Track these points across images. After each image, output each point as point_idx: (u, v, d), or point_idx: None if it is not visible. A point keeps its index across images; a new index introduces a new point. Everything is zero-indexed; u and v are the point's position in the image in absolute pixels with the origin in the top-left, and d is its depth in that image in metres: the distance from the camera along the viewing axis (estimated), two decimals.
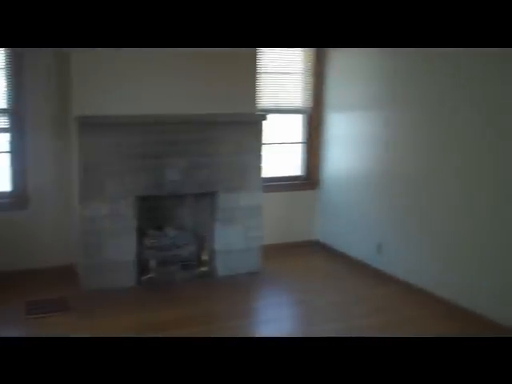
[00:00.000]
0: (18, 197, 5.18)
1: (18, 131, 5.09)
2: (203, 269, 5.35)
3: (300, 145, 6.40)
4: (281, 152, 6.31)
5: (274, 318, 4.57)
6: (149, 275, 5.12)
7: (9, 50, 4.94)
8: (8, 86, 5.02)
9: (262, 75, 5.83)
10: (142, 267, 5.11)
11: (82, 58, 4.65)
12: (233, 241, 5.34)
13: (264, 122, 5.36)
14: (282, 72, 6.07)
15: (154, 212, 5.27)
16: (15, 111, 5.07)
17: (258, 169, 5.39)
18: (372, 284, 5.23)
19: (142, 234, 5.13)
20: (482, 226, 4.40)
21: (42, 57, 4.97)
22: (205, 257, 5.38)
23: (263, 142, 5.42)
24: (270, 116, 5.56)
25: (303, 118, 6.33)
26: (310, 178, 6.37)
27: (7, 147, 5.13)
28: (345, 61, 5.89)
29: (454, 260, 4.65)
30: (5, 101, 5.03)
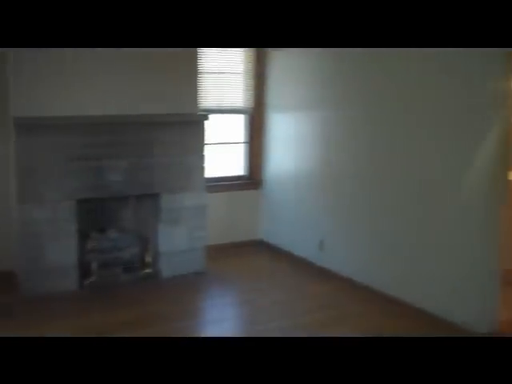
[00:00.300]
0: None
1: None
2: (147, 271, 5.30)
3: (242, 145, 6.41)
4: (223, 152, 6.31)
5: (220, 318, 4.57)
6: (91, 279, 5.03)
7: None
8: None
9: (204, 75, 5.82)
10: (84, 271, 5.02)
11: (20, 58, 4.54)
12: (177, 242, 5.31)
13: (206, 122, 5.35)
14: (223, 72, 6.07)
15: (96, 214, 5.18)
16: None
17: (201, 169, 5.38)
18: (315, 281, 5.28)
19: (83, 237, 5.04)
20: (418, 224, 4.51)
21: None
22: (148, 258, 5.33)
23: (206, 142, 5.41)
24: (212, 116, 5.56)
25: (245, 119, 6.35)
26: (253, 178, 6.40)
27: None
28: (285, 61, 5.94)
29: (395, 256, 4.75)
30: None
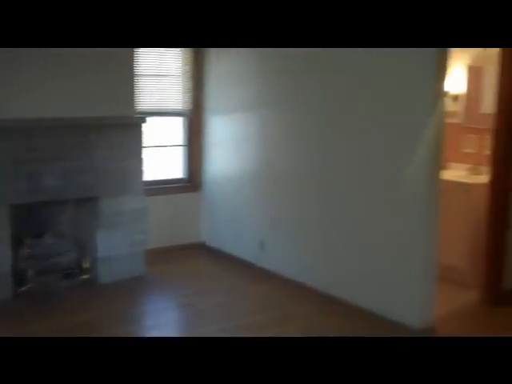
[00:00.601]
0: None
1: None
2: (85, 276, 5.19)
3: (181, 147, 6.37)
4: (162, 155, 6.25)
5: (160, 323, 4.51)
6: (27, 286, 4.89)
7: None
8: None
9: (141, 78, 5.76)
10: (20, 278, 4.87)
11: None
12: (116, 246, 5.22)
13: (144, 125, 5.29)
14: (161, 74, 6.03)
15: (32, 219, 5.04)
16: None
17: (140, 172, 5.31)
18: (256, 282, 5.30)
19: (18, 243, 4.89)
20: (357, 223, 4.59)
21: None
22: (86, 264, 5.22)
23: (144, 145, 5.35)
24: (150, 119, 5.50)
25: (184, 121, 6.31)
26: (193, 181, 6.37)
27: None
28: (223, 63, 5.94)
29: (334, 255, 4.81)
30: None
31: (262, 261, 5.53)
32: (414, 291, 4.22)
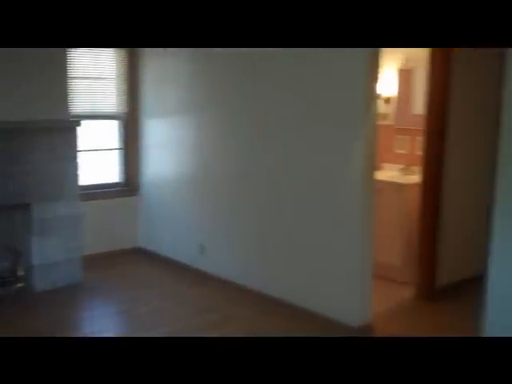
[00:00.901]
0: None
1: None
2: (20, 285, 5.04)
3: (117, 151, 6.29)
4: (98, 159, 6.14)
5: (99, 330, 4.43)
6: None
7: None
8: None
9: (75, 80, 5.64)
10: None
11: None
12: (51, 253, 5.10)
13: (79, 129, 5.19)
14: (95, 77, 5.93)
15: None
16: None
17: (75, 177, 5.20)
18: (196, 286, 5.28)
19: None
20: (295, 224, 4.63)
21: None
22: (21, 272, 5.06)
23: (79, 148, 5.24)
24: (85, 122, 5.40)
25: (119, 124, 6.23)
26: (130, 185, 6.30)
27: None
28: (158, 65, 5.90)
29: (274, 256, 4.85)
30: None
31: (202, 264, 5.52)
32: (352, 290, 4.28)
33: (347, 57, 4.07)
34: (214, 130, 5.32)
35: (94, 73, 5.90)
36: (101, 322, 4.62)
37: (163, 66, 5.82)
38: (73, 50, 5.49)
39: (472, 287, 4.48)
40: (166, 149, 5.90)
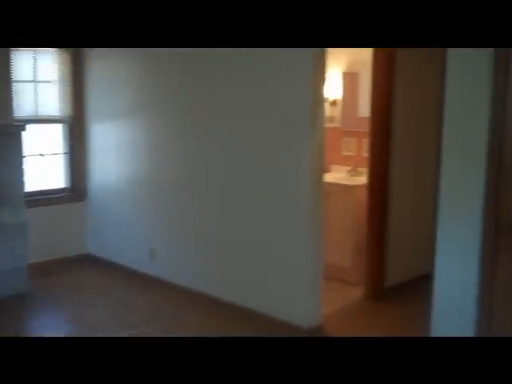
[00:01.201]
0: None
1: None
2: None
3: (63, 156, 6.16)
4: (43, 164, 6.01)
5: None
6: None
7: None
8: None
9: (19, 84, 5.51)
10: None
11: None
12: None
13: (23, 133, 5.06)
14: (39, 80, 5.81)
15: None
16: None
17: (21, 183, 5.08)
18: (148, 292, 5.24)
19: None
20: (246, 227, 4.64)
21: None
22: None
23: (24, 154, 5.12)
24: (29, 126, 5.26)
25: (64, 128, 6.11)
26: (77, 190, 6.19)
27: None
28: (103, 67, 5.82)
29: (226, 260, 4.84)
30: None
31: (153, 269, 5.47)
32: (302, 292, 4.30)
33: (294, 59, 4.10)
34: (162, 132, 5.27)
35: (37, 75, 5.78)
36: (50, 330, 4.52)
37: (109, 67, 5.75)
38: (15, 51, 5.34)
39: (421, 286, 4.53)
40: (114, 152, 5.82)
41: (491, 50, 3.04)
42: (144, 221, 5.57)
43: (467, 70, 3.22)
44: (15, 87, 5.36)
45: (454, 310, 3.39)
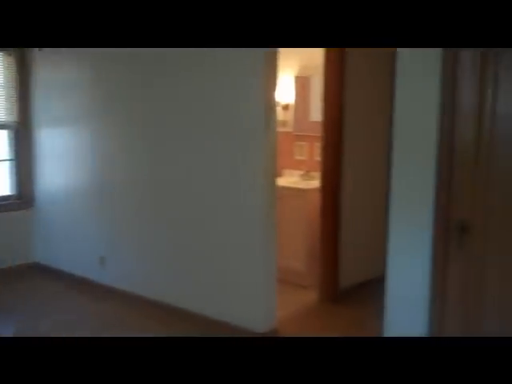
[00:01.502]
0: None
1: None
2: None
3: (9, 162, 5.97)
4: None
5: None
6: None
7: None
8: None
9: None
10: None
11: None
12: None
13: None
14: None
15: None
16: None
17: None
18: (97, 300, 5.12)
19: None
20: (197, 232, 4.56)
21: None
22: None
23: None
24: None
25: (10, 134, 5.92)
26: (24, 197, 6.00)
27: None
28: (48, 73, 5.67)
29: (177, 266, 4.76)
30: None
31: (103, 277, 5.34)
32: (257, 296, 4.27)
33: (246, 63, 4.05)
34: (110, 138, 5.15)
35: None
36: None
37: (55, 72, 5.60)
38: None
39: (376, 288, 4.52)
40: (61, 158, 5.68)
41: (440, 49, 3.04)
42: (93, 228, 5.44)
43: (416, 70, 3.22)
44: None
45: (406, 310, 3.38)
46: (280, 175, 5.52)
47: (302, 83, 5.85)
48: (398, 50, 3.25)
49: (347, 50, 4.78)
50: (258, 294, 4.28)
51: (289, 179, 5.71)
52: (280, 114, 5.40)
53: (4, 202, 5.90)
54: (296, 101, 5.92)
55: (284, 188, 5.21)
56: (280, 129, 4.84)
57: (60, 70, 5.56)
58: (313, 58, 5.19)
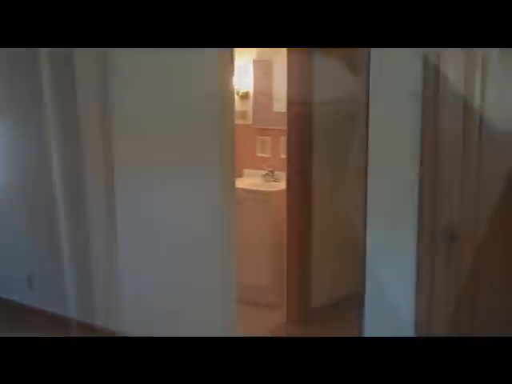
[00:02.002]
0: None
1: None
2: None
3: None
4: None
5: None
6: None
7: None
8: None
9: None
10: None
11: None
12: None
13: None
14: None
15: None
16: None
17: None
18: (25, 322, 4.73)
19: None
20: (145, 248, 4.19)
21: None
22: None
23: None
24: None
25: None
26: None
27: None
28: None
29: (118, 287, 4.33)
30: None
31: (33, 299, 4.89)
32: (213, 318, 3.96)
33: (199, 54, 3.63)
34: (35, 142, 4.66)
35: None
36: None
37: None
38: None
39: (353, 305, 4.09)
40: None
41: (420, 49, 2.94)
42: (21, 246, 4.99)
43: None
44: None
45: (383, 325, 3.26)
46: (239, 176, 5.34)
47: (262, 68, 5.41)
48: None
49: None
50: (214, 315, 3.96)
51: (250, 180, 5.42)
52: (238, 104, 5.10)
53: None
54: (256, 88, 5.52)
55: (244, 191, 4.95)
56: (238, 121, 4.67)
57: None
58: None
